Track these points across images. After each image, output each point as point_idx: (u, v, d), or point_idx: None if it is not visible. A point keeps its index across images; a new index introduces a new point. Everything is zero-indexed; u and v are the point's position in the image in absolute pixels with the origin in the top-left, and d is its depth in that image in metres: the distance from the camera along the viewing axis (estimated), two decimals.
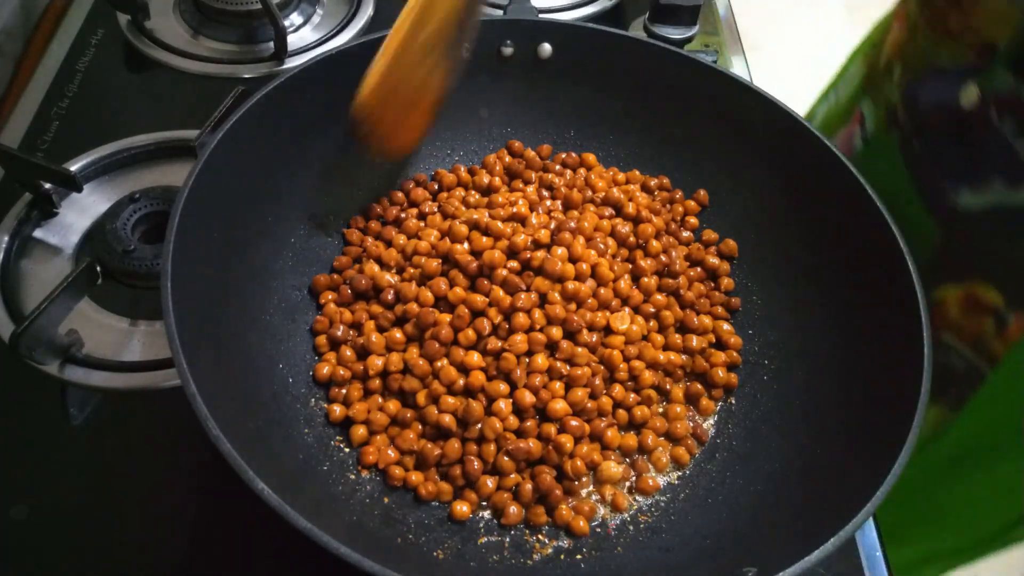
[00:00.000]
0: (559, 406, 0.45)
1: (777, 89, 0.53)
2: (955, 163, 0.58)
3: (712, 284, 0.54)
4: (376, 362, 0.47)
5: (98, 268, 0.53)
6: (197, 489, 0.46)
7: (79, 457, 0.47)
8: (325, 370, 0.47)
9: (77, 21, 0.72)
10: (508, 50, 0.56)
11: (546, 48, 0.56)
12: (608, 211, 0.54)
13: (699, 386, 0.50)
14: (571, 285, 0.47)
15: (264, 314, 0.48)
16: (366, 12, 0.75)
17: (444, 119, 0.57)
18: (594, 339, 0.47)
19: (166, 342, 0.37)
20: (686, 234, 0.55)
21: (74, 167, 0.58)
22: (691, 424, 0.48)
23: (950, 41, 0.57)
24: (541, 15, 0.58)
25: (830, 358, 0.48)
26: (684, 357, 0.50)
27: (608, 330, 0.48)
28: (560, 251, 0.47)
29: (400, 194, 0.56)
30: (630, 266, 0.51)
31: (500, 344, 0.45)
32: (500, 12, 0.73)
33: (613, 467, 0.45)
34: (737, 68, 0.75)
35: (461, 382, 0.45)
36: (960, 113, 0.56)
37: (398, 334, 0.47)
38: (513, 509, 0.44)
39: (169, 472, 0.47)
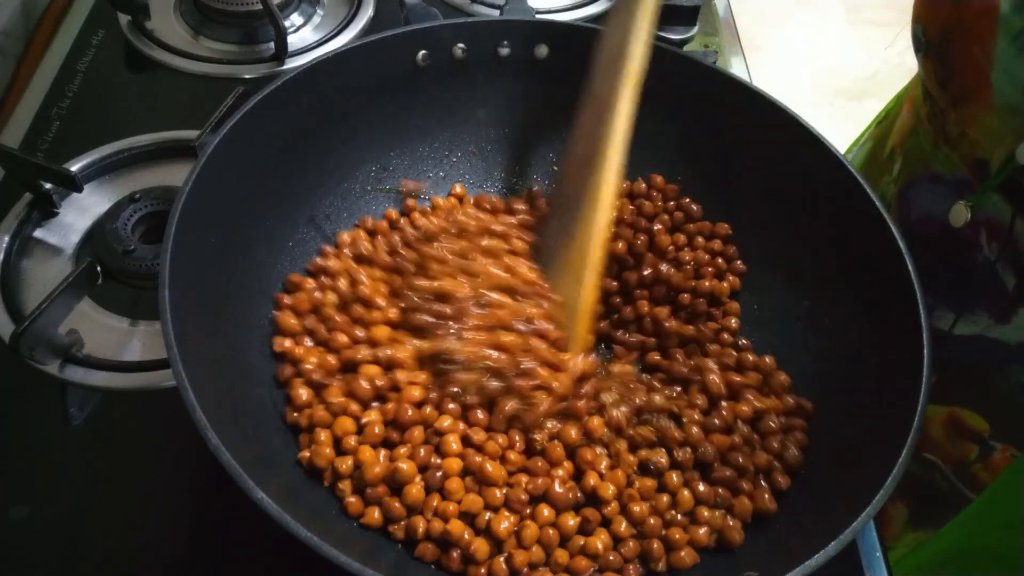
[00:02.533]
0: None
1: (776, 90, 0.53)
2: (942, 284, 0.55)
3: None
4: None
5: (98, 268, 0.53)
6: (197, 489, 0.46)
7: (79, 457, 0.47)
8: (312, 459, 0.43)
9: (78, 21, 0.72)
10: (505, 51, 0.56)
11: (543, 48, 0.56)
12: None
13: None
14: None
15: (263, 319, 0.48)
16: (366, 13, 0.75)
17: (441, 121, 0.57)
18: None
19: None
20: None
21: (74, 167, 0.58)
22: None
23: (947, 146, 0.54)
24: (540, 15, 0.58)
25: (830, 359, 0.48)
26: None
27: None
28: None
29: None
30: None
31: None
32: (496, 12, 0.73)
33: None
34: (736, 69, 0.75)
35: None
36: (950, 231, 0.53)
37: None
38: None
39: (169, 472, 0.47)
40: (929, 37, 0.53)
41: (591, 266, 0.46)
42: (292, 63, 0.70)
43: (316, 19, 0.75)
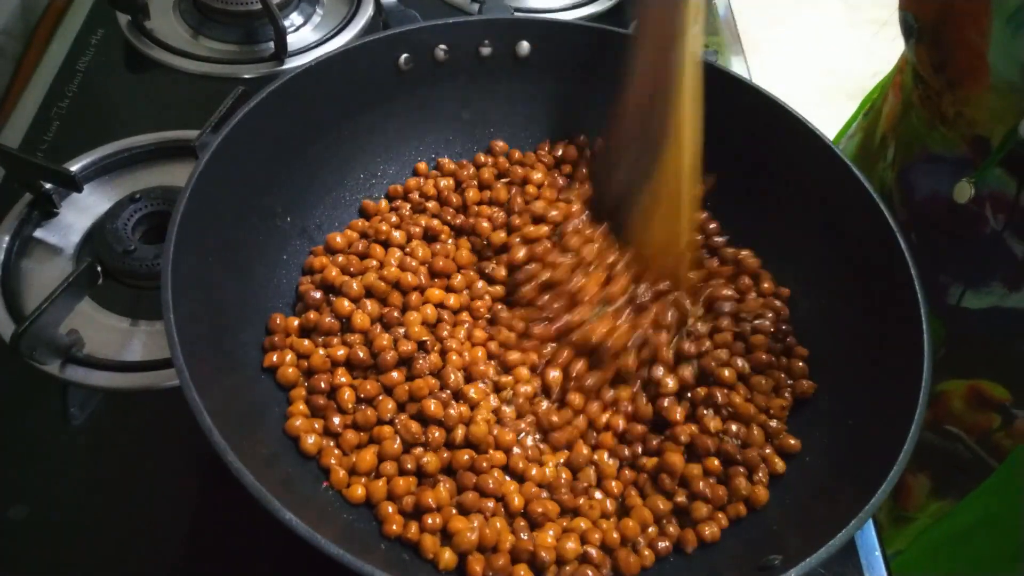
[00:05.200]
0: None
1: (777, 90, 0.53)
2: (953, 261, 0.56)
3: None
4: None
5: (99, 268, 0.53)
6: (197, 489, 0.47)
7: (80, 457, 0.47)
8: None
9: (77, 21, 0.72)
10: (486, 50, 0.55)
11: (524, 46, 0.56)
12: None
13: None
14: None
15: (265, 319, 0.48)
16: (366, 12, 0.75)
17: (427, 124, 0.57)
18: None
19: (166, 342, 0.37)
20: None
21: (74, 167, 0.58)
22: None
23: (943, 127, 0.55)
24: (541, 14, 0.58)
25: (829, 357, 0.48)
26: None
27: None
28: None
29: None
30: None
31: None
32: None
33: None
34: (737, 69, 0.75)
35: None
36: (956, 207, 0.53)
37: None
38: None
39: (169, 471, 0.47)
40: (921, 23, 0.54)
41: (686, 202, 0.48)
42: (292, 63, 0.70)
43: (316, 18, 0.75)
